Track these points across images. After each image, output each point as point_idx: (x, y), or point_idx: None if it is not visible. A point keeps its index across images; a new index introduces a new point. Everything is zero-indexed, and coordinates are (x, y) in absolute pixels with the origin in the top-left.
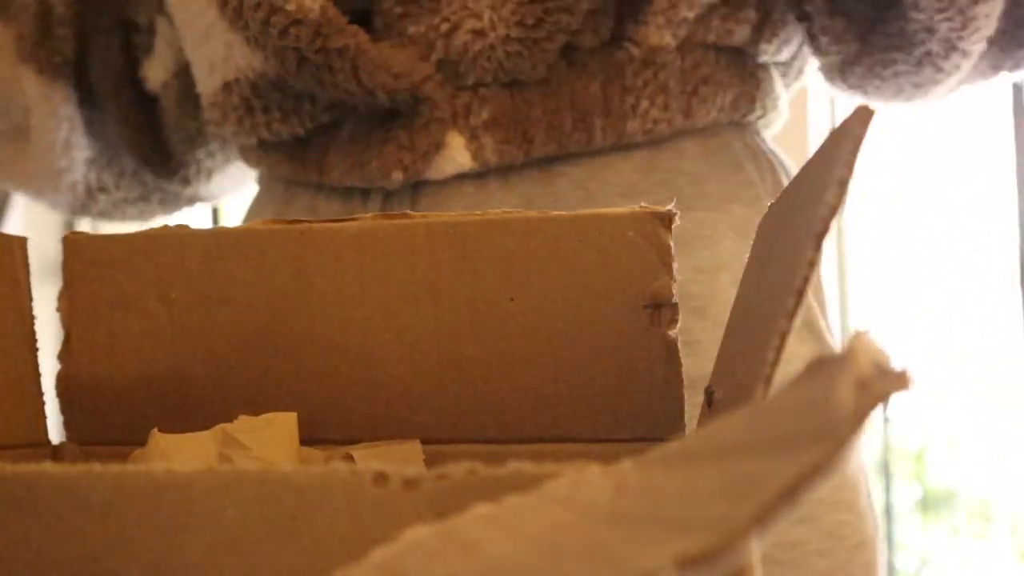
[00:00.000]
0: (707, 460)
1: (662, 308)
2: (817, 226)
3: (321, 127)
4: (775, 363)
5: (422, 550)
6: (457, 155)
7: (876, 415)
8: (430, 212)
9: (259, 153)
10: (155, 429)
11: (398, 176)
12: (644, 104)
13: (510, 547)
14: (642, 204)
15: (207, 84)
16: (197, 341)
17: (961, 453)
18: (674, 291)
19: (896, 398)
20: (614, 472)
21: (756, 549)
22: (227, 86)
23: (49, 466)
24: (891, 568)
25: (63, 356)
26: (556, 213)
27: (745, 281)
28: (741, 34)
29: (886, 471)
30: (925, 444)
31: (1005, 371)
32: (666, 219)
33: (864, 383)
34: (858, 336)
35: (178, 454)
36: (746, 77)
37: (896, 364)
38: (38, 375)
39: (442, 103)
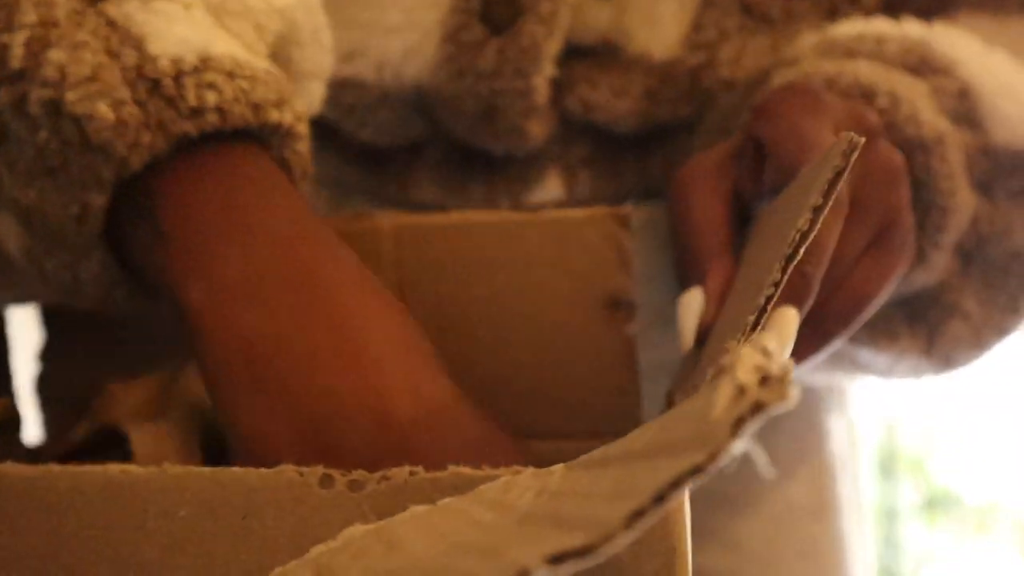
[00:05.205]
0: (615, 464)
1: (620, 307)
2: (785, 250)
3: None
4: None
5: (352, 548)
6: (553, 187)
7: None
8: (397, 213)
9: (333, 157)
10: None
11: (504, 204)
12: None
13: (426, 546)
14: (602, 205)
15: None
16: None
17: (964, 455)
18: (632, 290)
19: (779, 407)
20: (543, 475)
21: (685, 497)
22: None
23: (9, 466)
24: (893, 570)
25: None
26: (518, 214)
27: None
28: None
29: (889, 473)
30: (928, 446)
31: (1007, 373)
32: (624, 219)
33: (743, 391)
34: (746, 344)
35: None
36: None
37: (777, 373)
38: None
39: (545, 143)
